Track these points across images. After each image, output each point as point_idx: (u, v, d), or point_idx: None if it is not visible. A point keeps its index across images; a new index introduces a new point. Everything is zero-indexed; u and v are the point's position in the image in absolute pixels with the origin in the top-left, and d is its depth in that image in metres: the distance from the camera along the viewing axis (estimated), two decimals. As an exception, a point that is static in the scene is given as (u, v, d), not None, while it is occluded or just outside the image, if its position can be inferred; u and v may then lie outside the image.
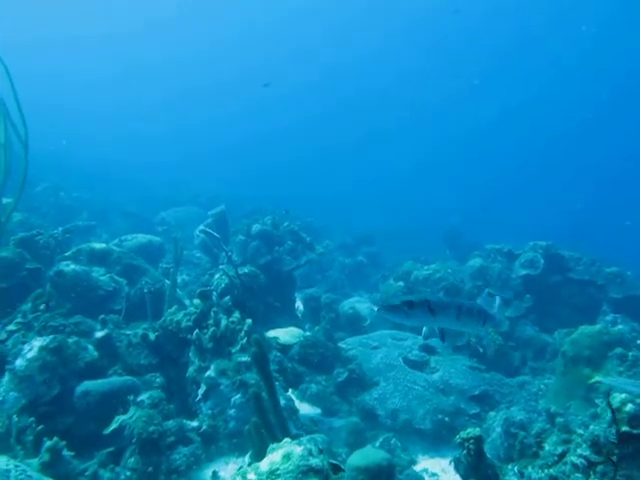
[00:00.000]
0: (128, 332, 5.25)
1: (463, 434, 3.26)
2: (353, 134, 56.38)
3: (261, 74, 55.81)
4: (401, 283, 8.27)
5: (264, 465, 2.68)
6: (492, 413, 5.26)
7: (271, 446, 2.84)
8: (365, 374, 6.22)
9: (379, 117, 55.95)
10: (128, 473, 3.97)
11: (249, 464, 4.38)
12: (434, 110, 54.38)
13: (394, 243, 18.51)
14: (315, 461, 2.64)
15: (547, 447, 3.45)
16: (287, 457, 2.64)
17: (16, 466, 3.05)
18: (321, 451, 2.81)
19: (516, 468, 3.50)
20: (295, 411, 4.98)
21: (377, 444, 5.15)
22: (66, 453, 3.57)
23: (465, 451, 3.24)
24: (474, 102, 51.33)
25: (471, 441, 3.21)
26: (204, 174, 31.08)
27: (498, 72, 49.26)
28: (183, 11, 52.65)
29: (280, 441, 4.34)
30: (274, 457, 2.69)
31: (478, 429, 3.29)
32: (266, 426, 3.97)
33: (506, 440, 4.51)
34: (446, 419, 5.62)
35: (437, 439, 5.59)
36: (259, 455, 3.86)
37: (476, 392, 6.05)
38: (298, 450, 2.70)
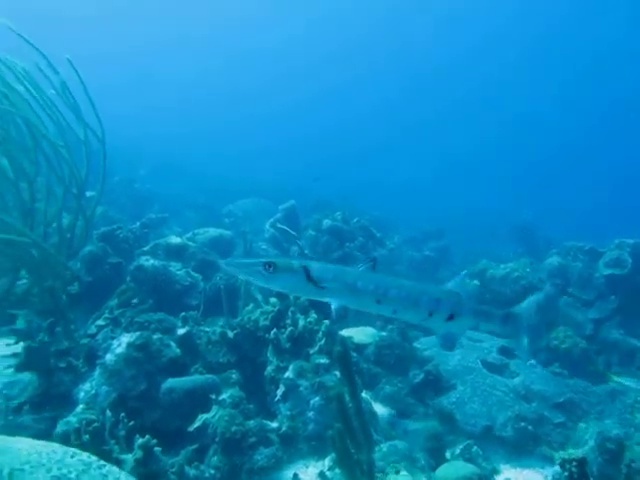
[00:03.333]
0: (207, 329, 5.33)
1: (564, 454, 3.05)
2: (413, 123, 55.47)
3: (326, 64, 56.07)
4: (476, 282, 7.98)
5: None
6: (582, 425, 4.97)
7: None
8: (442, 376, 6.04)
9: (433, 106, 54.77)
10: (212, 471, 4.03)
11: (329, 468, 4.38)
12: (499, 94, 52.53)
13: (461, 237, 18.03)
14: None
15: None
16: None
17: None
18: None
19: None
20: (374, 414, 4.89)
21: (457, 451, 4.99)
22: (157, 450, 3.64)
23: (567, 473, 3.03)
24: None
25: (574, 463, 2.99)
26: (269, 166, 31.42)
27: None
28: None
29: (362, 447, 4.28)
30: None
31: (580, 451, 3.07)
32: (349, 431, 3.90)
33: (600, 456, 4.23)
34: (529, 427, 5.37)
35: (519, 448, 5.35)
36: (341, 461, 3.82)
37: (560, 399, 5.75)
38: None
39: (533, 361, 6.62)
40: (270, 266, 2.71)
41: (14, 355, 5.38)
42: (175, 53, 56.68)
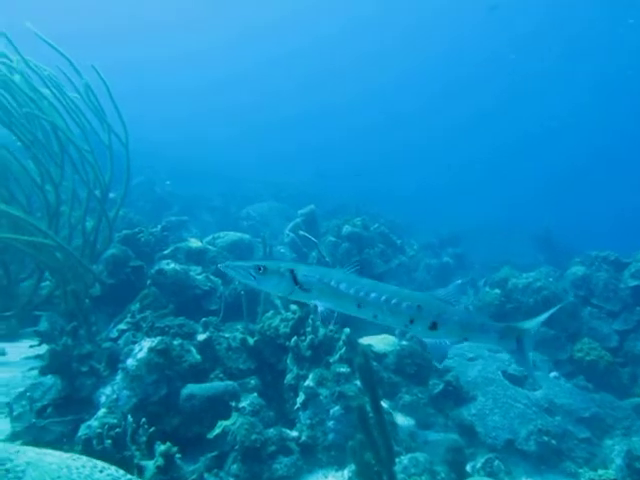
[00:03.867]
0: (227, 335, 5.32)
1: (595, 475, 2.97)
2: (431, 130, 55.28)
3: (348, 70, 56.14)
4: (497, 291, 7.87)
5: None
6: (608, 441, 4.84)
7: None
8: (462, 387, 5.96)
9: (453, 113, 54.49)
10: (231, 479, 4.01)
11: (349, 479, 4.32)
12: (518, 99, 52.03)
13: (479, 243, 17.87)
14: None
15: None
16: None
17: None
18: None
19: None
20: (395, 425, 4.83)
21: (478, 465, 4.91)
22: (177, 457, 3.63)
23: (597, 494, 2.95)
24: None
25: (604, 484, 2.91)
26: (284, 169, 31.49)
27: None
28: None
29: (384, 460, 4.22)
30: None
31: (612, 472, 2.98)
32: (370, 443, 3.85)
33: (629, 476, 4.11)
34: (552, 442, 5.25)
35: (542, 462, 5.24)
36: (361, 473, 3.77)
37: (586, 414, 5.62)
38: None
39: (556, 373, 6.50)
40: (260, 269, 2.80)
41: (37, 357, 5.44)
42: (197, 59, 57.30)
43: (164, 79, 55.56)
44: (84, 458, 1.88)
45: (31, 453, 1.65)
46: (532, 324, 2.87)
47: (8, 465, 1.50)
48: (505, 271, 8.23)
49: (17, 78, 5.35)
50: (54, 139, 5.59)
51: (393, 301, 2.80)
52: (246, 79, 59.40)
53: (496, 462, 4.89)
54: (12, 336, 6.18)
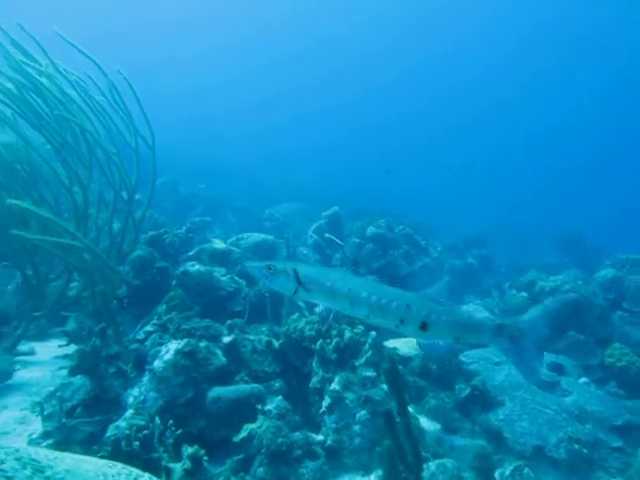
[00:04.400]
0: (252, 337, 5.32)
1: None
2: (452, 128, 54.84)
3: (367, 66, 56.03)
4: (524, 294, 7.73)
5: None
6: (643, 451, 4.70)
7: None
8: (489, 391, 5.86)
9: (473, 110, 53.95)
10: (257, 483, 4.00)
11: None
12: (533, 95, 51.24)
13: (499, 245, 17.64)
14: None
15: None
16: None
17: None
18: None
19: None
20: (422, 430, 4.77)
21: (507, 472, 4.80)
22: (205, 460, 3.63)
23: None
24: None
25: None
26: (305, 169, 31.54)
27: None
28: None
29: (412, 466, 4.16)
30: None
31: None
32: (398, 449, 3.80)
33: (666, 488, 3.98)
34: (584, 450, 5.12)
35: (572, 471, 5.11)
36: (389, 479, 3.72)
37: (618, 422, 5.48)
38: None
39: (586, 379, 6.35)
40: (271, 268, 2.89)
41: (66, 356, 5.52)
42: (218, 57, 57.79)
43: (177, 80, 56.21)
44: (119, 465, 1.88)
45: (69, 460, 1.65)
46: (527, 319, 2.69)
47: (48, 472, 1.51)
48: (532, 274, 8.08)
49: (46, 81, 5.42)
50: (83, 142, 5.66)
51: (383, 301, 2.75)
52: (260, 78, 59.74)
53: (525, 470, 4.79)
54: (41, 336, 6.29)
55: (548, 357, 6.44)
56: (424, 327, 2.73)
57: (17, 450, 1.64)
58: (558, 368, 6.24)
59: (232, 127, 50.78)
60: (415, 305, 2.74)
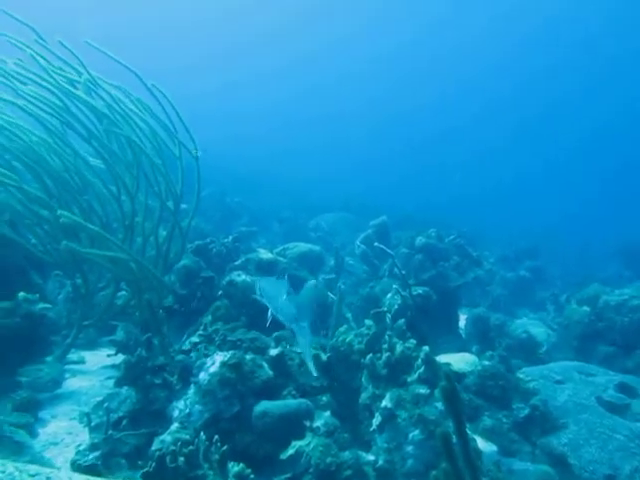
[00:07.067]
0: (299, 350, 5.14)
1: None
2: (497, 137, 53.72)
3: (407, 85, 55.79)
4: (586, 308, 7.26)
5: None
6: None
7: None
8: (550, 413, 5.47)
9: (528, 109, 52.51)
10: (305, 504, 3.81)
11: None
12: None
13: (556, 255, 16.93)
14: None
15: None
16: None
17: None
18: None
19: None
20: (479, 453, 4.46)
21: (575, 502, 4.43)
22: (251, 478, 3.48)
23: None
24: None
25: None
26: (350, 180, 31.45)
27: None
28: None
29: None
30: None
31: None
32: (455, 473, 3.53)
33: None
34: (661, 481, 4.67)
35: (649, 504, 4.68)
36: (446, 506, 3.45)
37: (699, 451, 4.97)
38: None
39: (658, 401, 5.84)
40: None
41: (114, 366, 5.51)
42: (271, 77, 58.91)
43: (230, 102, 57.51)
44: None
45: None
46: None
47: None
48: (594, 287, 7.58)
49: (88, 94, 5.47)
50: (129, 150, 5.68)
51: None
52: (308, 97, 60.46)
53: (595, 500, 4.40)
54: (91, 345, 6.34)
55: (616, 377, 5.98)
56: None
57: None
58: (628, 390, 5.77)
59: (279, 143, 51.51)
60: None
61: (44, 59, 5.24)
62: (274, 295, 3.55)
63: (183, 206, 7.00)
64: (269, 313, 3.52)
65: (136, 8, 53.79)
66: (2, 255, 5.51)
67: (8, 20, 5.37)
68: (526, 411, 5.48)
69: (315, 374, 3.88)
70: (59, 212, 4.67)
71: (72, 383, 5.41)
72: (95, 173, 5.79)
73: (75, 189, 5.66)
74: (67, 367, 5.68)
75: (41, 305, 5.38)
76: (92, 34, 5.27)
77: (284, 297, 3.44)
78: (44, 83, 5.12)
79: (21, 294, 5.22)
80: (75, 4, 48.06)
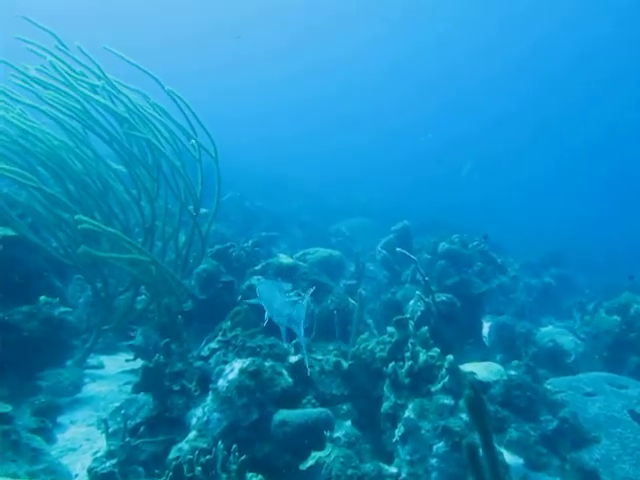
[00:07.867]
0: (319, 357, 5.04)
1: None
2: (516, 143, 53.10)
3: (430, 86, 55.52)
4: (617, 317, 7.00)
5: None
6: None
7: None
8: (581, 426, 5.25)
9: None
10: (326, 517, 3.69)
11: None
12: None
13: (582, 263, 16.53)
14: None
15: None
16: None
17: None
18: None
19: None
20: (507, 467, 4.28)
21: (608, 521, 4.22)
22: (269, 491, 3.38)
23: None
24: None
25: None
26: (370, 186, 31.27)
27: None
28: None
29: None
30: None
31: None
32: (482, 489, 3.37)
33: None
34: (700, 501, 4.44)
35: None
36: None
37: None
38: None
39: (695, 415, 5.57)
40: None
41: (132, 371, 5.47)
42: (293, 79, 59.22)
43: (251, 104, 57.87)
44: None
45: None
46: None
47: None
48: (625, 296, 7.31)
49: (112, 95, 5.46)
50: (149, 154, 5.65)
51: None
52: (331, 101, 60.58)
53: (630, 520, 4.19)
54: (110, 349, 6.32)
55: (649, 389, 5.73)
56: None
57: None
58: (662, 402, 5.52)
59: (300, 146, 51.62)
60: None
61: (66, 64, 5.25)
62: (270, 297, 3.63)
63: (203, 210, 6.96)
64: (266, 314, 3.62)
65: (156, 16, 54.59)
66: (24, 258, 5.52)
67: (27, 26, 5.41)
68: (554, 423, 5.27)
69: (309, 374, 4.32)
70: (76, 217, 4.65)
71: (91, 388, 5.38)
72: (116, 176, 5.78)
73: (96, 193, 5.65)
74: (86, 372, 5.66)
75: (61, 309, 5.37)
76: (109, 40, 5.24)
77: (279, 299, 3.52)
78: (66, 88, 5.13)
79: (42, 298, 5.22)
80: (88, 11, 48.81)
